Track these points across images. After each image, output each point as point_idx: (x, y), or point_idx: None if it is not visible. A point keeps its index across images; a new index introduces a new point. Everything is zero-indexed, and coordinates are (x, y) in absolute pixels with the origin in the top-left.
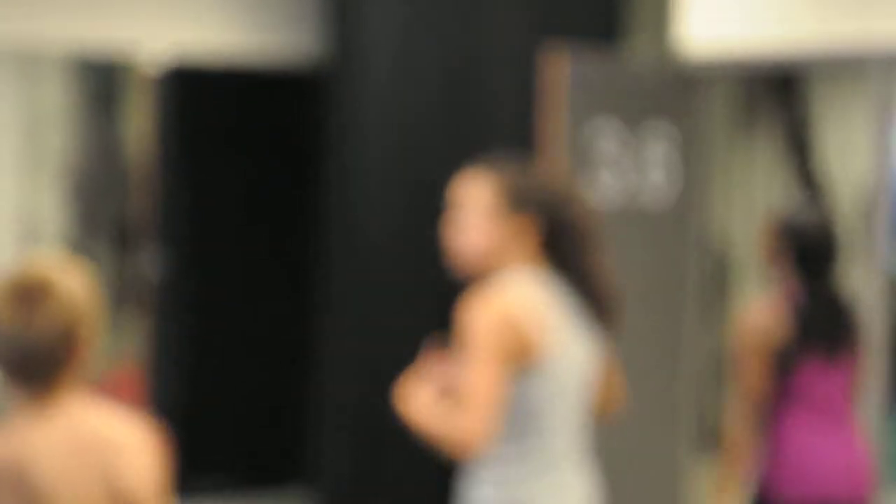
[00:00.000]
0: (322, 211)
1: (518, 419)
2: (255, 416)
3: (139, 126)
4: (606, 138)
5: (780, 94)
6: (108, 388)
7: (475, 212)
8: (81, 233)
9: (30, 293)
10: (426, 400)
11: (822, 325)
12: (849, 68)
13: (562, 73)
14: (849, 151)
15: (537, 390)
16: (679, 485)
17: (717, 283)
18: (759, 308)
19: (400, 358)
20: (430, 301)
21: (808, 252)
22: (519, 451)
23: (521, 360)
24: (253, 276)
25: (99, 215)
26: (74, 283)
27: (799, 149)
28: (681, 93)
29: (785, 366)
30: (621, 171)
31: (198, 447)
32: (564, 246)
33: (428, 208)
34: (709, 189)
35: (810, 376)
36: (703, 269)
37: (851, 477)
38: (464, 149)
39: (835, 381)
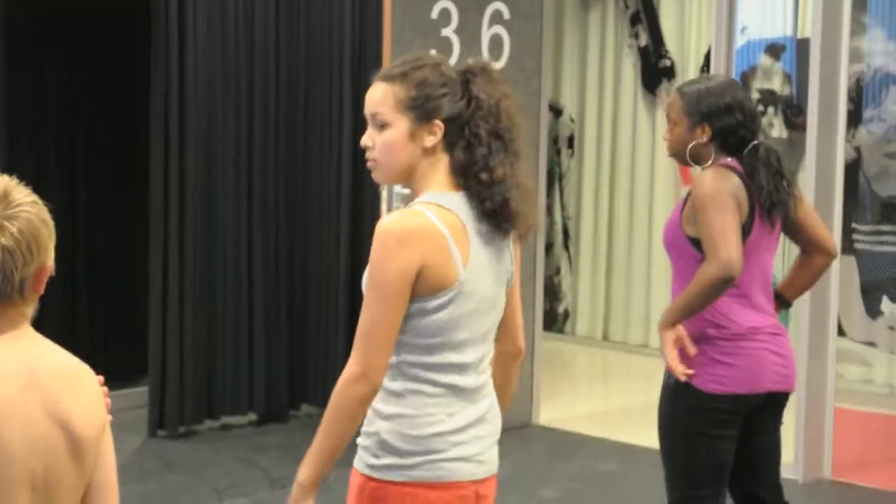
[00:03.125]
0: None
1: (423, 346)
2: (98, 315)
3: None
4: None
5: None
6: None
7: (388, 124)
8: None
9: None
10: None
11: (768, 193)
12: None
13: None
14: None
15: (447, 312)
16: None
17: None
18: (720, 173)
19: (236, 268)
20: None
21: (725, 127)
22: (424, 380)
23: (430, 283)
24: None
25: None
26: (35, 203)
27: (646, 18)
28: None
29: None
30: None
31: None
32: (476, 156)
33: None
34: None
35: (756, 248)
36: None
37: (789, 367)
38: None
39: (770, 251)
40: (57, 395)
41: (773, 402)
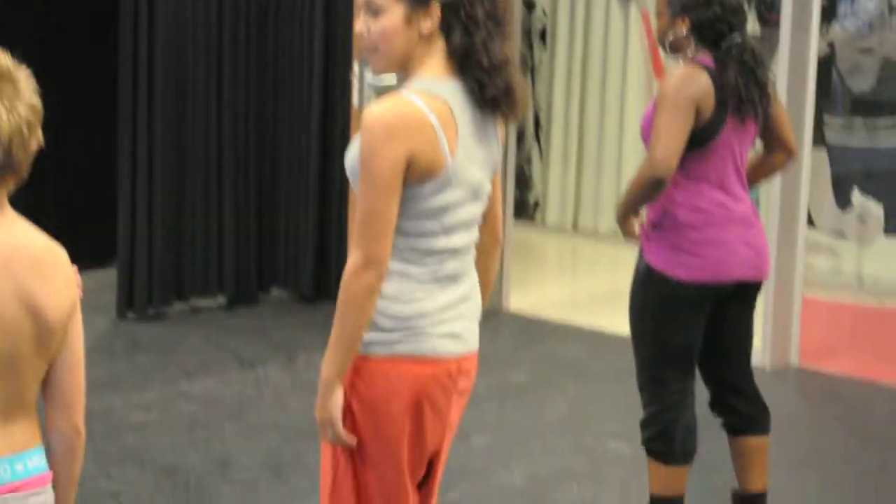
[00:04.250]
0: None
1: (411, 231)
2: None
3: None
4: None
5: None
6: None
7: (382, 10)
8: None
9: None
10: None
11: (736, 91)
12: None
13: None
14: None
15: (435, 200)
16: None
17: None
18: (687, 73)
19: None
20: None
21: (703, 20)
22: (410, 261)
23: (419, 171)
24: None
25: None
26: (30, 81)
27: None
28: None
29: (708, 132)
30: None
31: None
32: (475, 40)
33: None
34: None
35: (727, 144)
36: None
37: (761, 257)
38: None
39: (744, 146)
40: (30, 283)
41: (745, 290)
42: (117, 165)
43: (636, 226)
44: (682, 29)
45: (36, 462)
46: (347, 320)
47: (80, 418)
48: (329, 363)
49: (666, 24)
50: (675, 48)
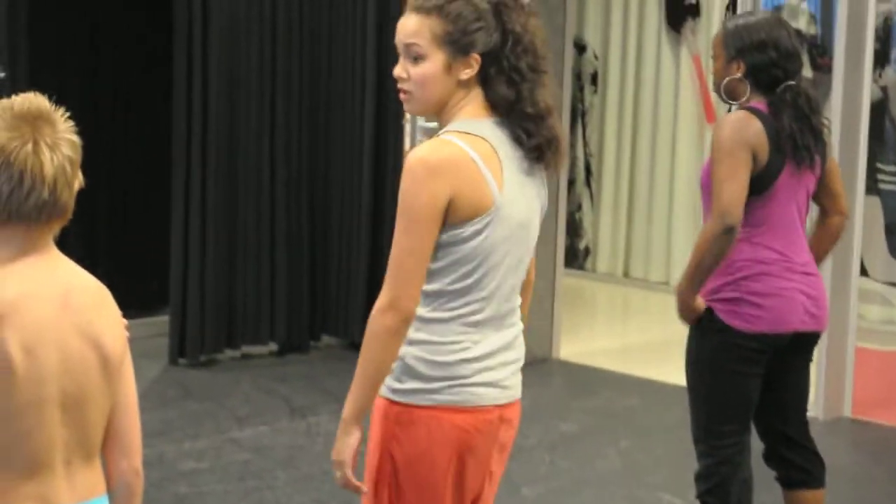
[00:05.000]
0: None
1: (454, 274)
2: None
3: None
4: None
5: None
6: None
7: (423, 57)
8: None
9: (35, 120)
10: None
11: (791, 137)
12: None
13: None
14: None
15: (482, 238)
16: None
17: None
18: (739, 118)
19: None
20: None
21: (758, 64)
22: (452, 307)
23: (464, 211)
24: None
25: None
26: (68, 121)
27: None
28: None
29: (766, 178)
30: None
31: None
32: (522, 91)
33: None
34: None
35: (787, 190)
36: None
37: (820, 307)
38: None
39: (804, 194)
40: (88, 315)
41: (803, 341)
42: (170, 215)
43: (701, 302)
44: (737, 73)
45: None
46: (369, 358)
47: (139, 461)
48: (349, 402)
49: (721, 67)
50: (730, 92)
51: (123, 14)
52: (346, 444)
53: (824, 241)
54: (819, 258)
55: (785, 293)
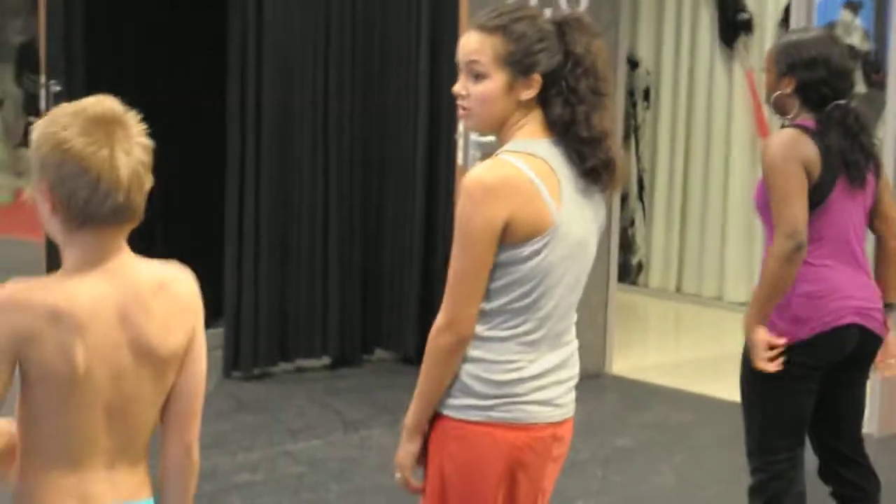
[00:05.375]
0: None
1: (512, 293)
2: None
3: None
4: None
5: None
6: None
7: (485, 76)
8: None
9: (109, 124)
10: None
11: (841, 154)
12: None
13: None
14: None
15: (541, 258)
16: None
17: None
18: (789, 136)
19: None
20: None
21: (807, 82)
22: (509, 326)
23: (522, 231)
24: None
25: None
26: (140, 123)
27: None
28: None
29: (818, 194)
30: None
31: None
32: (577, 113)
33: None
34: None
35: (840, 208)
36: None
37: (878, 309)
38: None
39: (858, 213)
40: (145, 327)
41: (860, 355)
42: (224, 228)
43: (766, 335)
44: (788, 88)
45: None
46: (428, 377)
47: (193, 439)
48: (411, 413)
49: (773, 81)
50: (780, 107)
51: (179, 18)
52: (408, 450)
53: (889, 268)
54: (887, 288)
55: (841, 292)
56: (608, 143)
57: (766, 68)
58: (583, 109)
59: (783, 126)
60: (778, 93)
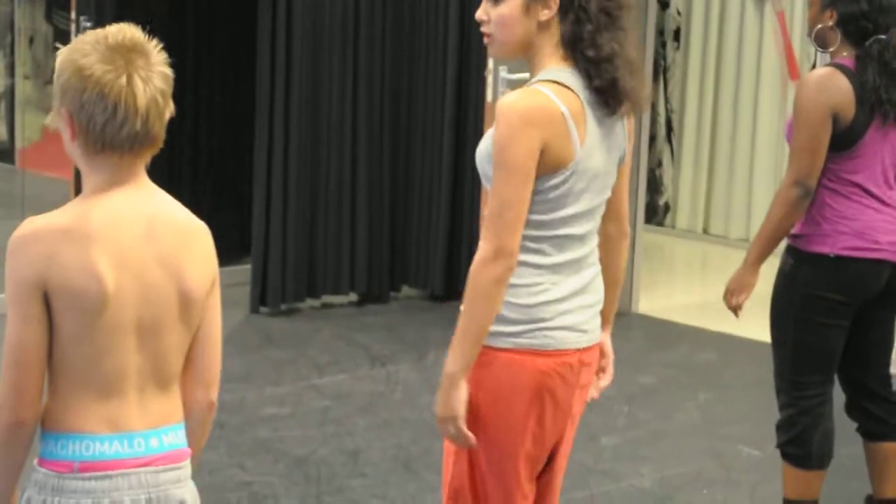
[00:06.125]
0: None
1: (535, 221)
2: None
3: None
4: None
5: None
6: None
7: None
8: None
9: (129, 52)
10: None
11: (875, 91)
12: None
13: None
14: None
15: (562, 190)
16: None
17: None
18: (824, 77)
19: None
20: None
21: (847, 14)
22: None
23: (549, 162)
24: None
25: None
26: (161, 52)
27: None
28: None
29: (851, 135)
30: None
31: None
32: (583, 31)
33: None
34: None
35: (873, 147)
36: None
37: None
38: None
39: (889, 151)
40: (173, 248)
41: (890, 291)
42: (252, 165)
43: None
44: (829, 21)
45: (172, 438)
46: (475, 312)
47: (215, 393)
48: (454, 357)
49: (815, 14)
50: (822, 41)
51: None
52: (456, 397)
53: None
54: None
55: (876, 222)
56: (615, 64)
57: (809, 1)
58: (590, 28)
59: (813, 67)
60: (820, 26)
